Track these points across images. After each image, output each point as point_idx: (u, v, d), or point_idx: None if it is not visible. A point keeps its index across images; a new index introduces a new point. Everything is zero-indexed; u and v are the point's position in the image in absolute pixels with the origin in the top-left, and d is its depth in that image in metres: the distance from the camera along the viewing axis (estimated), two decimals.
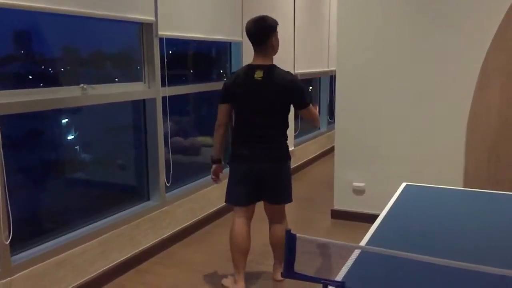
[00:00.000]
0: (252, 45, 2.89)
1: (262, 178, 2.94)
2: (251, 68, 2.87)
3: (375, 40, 4.03)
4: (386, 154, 4.12)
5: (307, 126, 6.97)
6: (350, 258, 1.67)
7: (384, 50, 4.01)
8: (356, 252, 1.73)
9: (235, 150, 2.97)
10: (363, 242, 1.86)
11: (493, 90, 3.69)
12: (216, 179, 3.06)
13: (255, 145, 2.91)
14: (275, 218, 3.08)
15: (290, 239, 1.45)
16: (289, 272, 1.47)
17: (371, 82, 4.09)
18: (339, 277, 1.53)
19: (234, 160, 2.97)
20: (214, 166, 3.05)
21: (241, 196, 2.97)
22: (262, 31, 2.81)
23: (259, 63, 2.87)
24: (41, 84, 2.83)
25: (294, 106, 2.93)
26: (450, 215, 2.21)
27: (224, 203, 4.45)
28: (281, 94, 2.84)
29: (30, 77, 2.87)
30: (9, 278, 2.48)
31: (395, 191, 2.64)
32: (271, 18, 2.88)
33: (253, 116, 2.88)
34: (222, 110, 2.97)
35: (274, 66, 2.89)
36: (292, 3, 5.75)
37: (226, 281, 3.11)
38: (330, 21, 7.04)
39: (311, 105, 2.94)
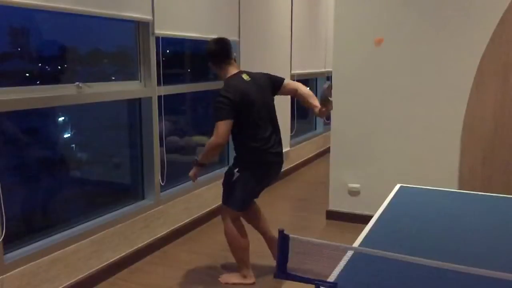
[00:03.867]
0: (224, 60, 3.01)
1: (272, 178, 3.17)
2: (238, 75, 2.99)
3: (371, 42, 4.03)
4: (382, 155, 4.13)
5: (303, 127, 6.98)
6: (343, 259, 1.67)
7: (380, 52, 4.02)
8: (349, 253, 1.73)
9: (251, 159, 2.97)
10: (356, 243, 1.86)
11: (489, 93, 3.71)
12: (195, 179, 3.05)
13: (275, 147, 3.03)
14: (260, 211, 3.27)
15: (283, 239, 1.45)
16: (282, 272, 1.46)
17: (367, 83, 4.10)
18: (331, 278, 1.53)
19: (252, 167, 2.98)
20: (199, 168, 3.00)
21: (252, 201, 3.17)
22: (228, 47, 3.02)
23: (236, 70, 3.03)
24: (38, 82, 2.82)
25: (277, 88, 3.10)
26: (443, 216, 2.22)
27: (217, 205, 4.44)
28: (267, 85, 3.04)
29: (27, 74, 2.86)
30: (1, 276, 2.47)
31: (391, 192, 2.64)
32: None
33: (264, 118, 2.98)
34: (227, 126, 2.82)
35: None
36: (289, 3, 5.75)
37: (229, 278, 3.14)
38: (327, 21, 7.05)
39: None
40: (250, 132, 2.94)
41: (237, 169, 2.99)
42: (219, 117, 2.84)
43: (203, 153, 2.94)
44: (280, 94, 3.14)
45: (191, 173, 3.01)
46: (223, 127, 2.82)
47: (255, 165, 2.98)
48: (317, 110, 3.00)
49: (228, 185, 3.03)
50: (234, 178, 2.99)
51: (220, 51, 2.99)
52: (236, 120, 2.86)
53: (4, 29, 2.63)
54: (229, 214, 3.04)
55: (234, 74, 2.98)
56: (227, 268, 3.35)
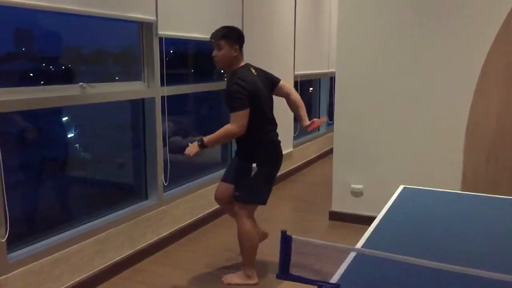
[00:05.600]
0: (241, 47, 3.04)
1: None
2: (246, 67, 3.01)
3: (375, 43, 4.03)
4: (385, 156, 4.12)
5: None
6: (345, 260, 1.67)
7: (383, 52, 4.01)
8: (352, 255, 1.73)
9: (268, 150, 3.01)
10: (359, 245, 1.86)
11: (492, 93, 3.70)
12: (193, 159, 2.84)
13: (278, 140, 3.08)
14: None
15: (286, 240, 1.45)
16: (284, 273, 1.46)
17: (371, 84, 4.10)
18: (334, 279, 1.53)
19: (267, 160, 3.01)
20: (202, 150, 2.84)
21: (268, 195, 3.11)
22: None
23: (244, 62, 3.04)
24: (42, 82, 2.83)
25: (273, 87, 3.13)
26: (447, 218, 2.21)
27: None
28: (267, 82, 3.07)
29: (31, 74, 2.87)
30: (5, 276, 2.48)
31: (394, 193, 2.64)
32: None
33: (269, 111, 3.05)
34: (247, 116, 2.83)
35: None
36: (293, 4, 5.75)
37: (232, 278, 3.13)
38: (330, 22, 7.04)
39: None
40: (262, 125, 2.97)
41: (255, 164, 2.98)
42: (239, 107, 2.80)
43: (215, 138, 2.84)
44: (274, 95, 3.15)
45: (191, 151, 2.81)
46: (244, 118, 2.81)
47: (270, 157, 3.02)
48: (303, 123, 3.10)
49: (246, 181, 2.99)
50: (253, 173, 2.97)
51: (242, 38, 3.01)
52: (249, 112, 2.86)
53: (9, 30, 2.64)
54: (246, 212, 3.02)
55: (244, 66, 3.00)
56: (230, 268, 3.35)
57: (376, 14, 3.99)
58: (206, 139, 2.84)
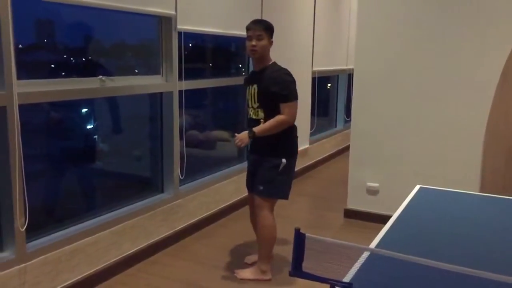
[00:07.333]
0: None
1: None
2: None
3: (394, 40, 3.98)
4: (402, 155, 4.08)
5: (323, 124, 6.94)
6: (359, 260, 1.67)
7: (402, 50, 3.97)
8: (366, 254, 1.72)
9: (294, 145, 3.06)
10: (373, 244, 1.85)
11: None
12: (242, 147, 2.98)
13: None
14: None
15: (299, 238, 1.45)
16: (297, 271, 1.47)
17: (389, 81, 4.05)
18: (347, 278, 1.53)
19: (294, 154, 3.05)
20: (251, 140, 2.98)
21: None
22: None
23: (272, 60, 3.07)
24: (63, 74, 2.87)
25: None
26: (464, 220, 2.19)
27: (235, 199, 4.44)
28: None
29: (52, 66, 2.91)
30: (24, 264, 2.53)
31: (410, 193, 2.62)
32: None
33: None
34: (297, 106, 2.96)
35: None
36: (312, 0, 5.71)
37: (246, 273, 3.14)
38: (350, 18, 6.98)
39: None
40: None
41: (283, 159, 2.97)
42: (293, 97, 2.90)
43: (266, 128, 2.90)
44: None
45: (242, 142, 2.87)
46: (296, 108, 2.92)
47: (295, 152, 3.06)
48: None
49: (274, 177, 2.98)
50: (281, 168, 2.97)
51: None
52: None
53: (31, 21, 2.68)
54: (269, 206, 3.04)
55: (275, 62, 3.04)
56: (244, 263, 3.36)
57: (396, 11, 3.95)
58: (257, 130, 2.91)
